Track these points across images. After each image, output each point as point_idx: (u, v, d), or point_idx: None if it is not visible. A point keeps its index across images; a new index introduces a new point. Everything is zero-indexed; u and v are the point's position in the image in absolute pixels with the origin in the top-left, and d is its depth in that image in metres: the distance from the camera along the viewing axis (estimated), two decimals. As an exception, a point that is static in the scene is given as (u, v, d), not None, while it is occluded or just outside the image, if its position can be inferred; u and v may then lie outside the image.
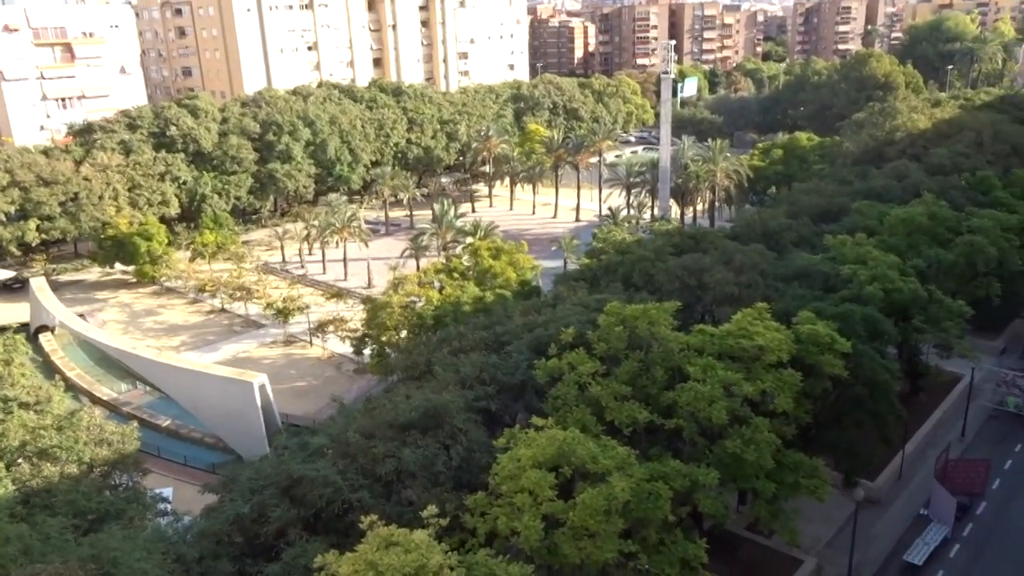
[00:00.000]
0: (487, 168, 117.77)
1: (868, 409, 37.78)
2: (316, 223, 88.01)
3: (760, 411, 32.74)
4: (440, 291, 56.77)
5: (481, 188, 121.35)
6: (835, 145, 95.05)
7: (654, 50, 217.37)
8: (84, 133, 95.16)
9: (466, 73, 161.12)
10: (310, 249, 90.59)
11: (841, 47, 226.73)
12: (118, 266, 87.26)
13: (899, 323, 43.55)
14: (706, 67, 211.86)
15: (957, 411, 48.57)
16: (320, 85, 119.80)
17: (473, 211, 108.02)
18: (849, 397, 37.49)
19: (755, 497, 33.48)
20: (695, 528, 33.49)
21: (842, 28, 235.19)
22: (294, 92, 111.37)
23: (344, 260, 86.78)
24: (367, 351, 58.74)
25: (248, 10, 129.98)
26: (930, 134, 79.29)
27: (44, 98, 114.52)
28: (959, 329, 44.97)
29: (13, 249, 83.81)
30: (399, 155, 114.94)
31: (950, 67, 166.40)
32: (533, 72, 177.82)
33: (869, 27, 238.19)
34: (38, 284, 77.25)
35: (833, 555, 37.46)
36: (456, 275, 58.85)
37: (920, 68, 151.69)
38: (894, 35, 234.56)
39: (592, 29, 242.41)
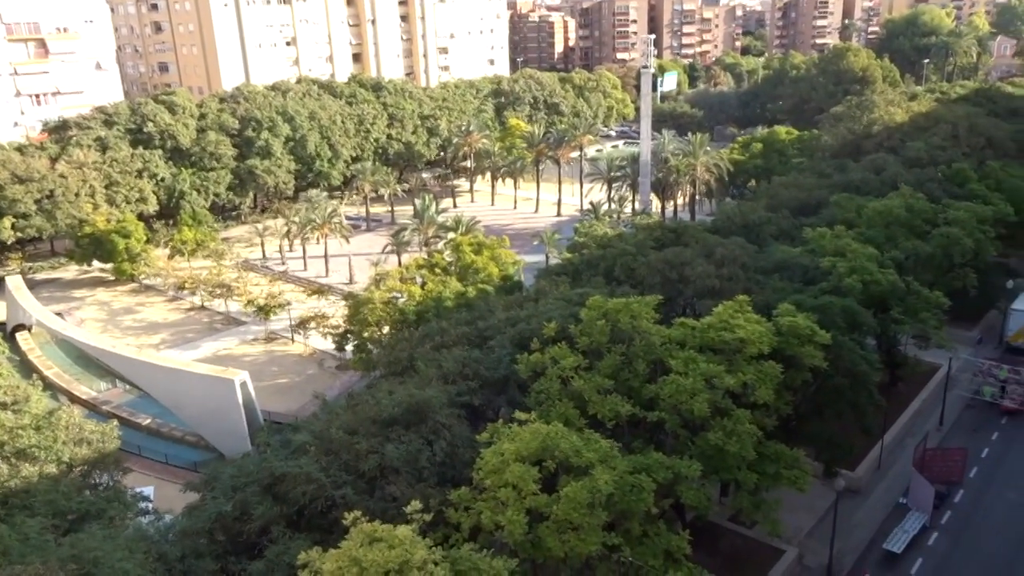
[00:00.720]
0: (468, 163, 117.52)
1: (848, 400, 38.22)
2: (296, 219, 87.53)
3: (741, 403, 32.96)
4: (422, 286, 56.66)
5: (462, 183, 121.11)
6: (814, 139, 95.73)
7: (634, 44, 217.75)
8: (59, 130, 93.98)
9: (446, 68, 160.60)
10: (291, 245, 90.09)
11: (819, 41, 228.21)
12: (96, 264, 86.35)
13: (878, 314, 44.00)
14: (686, 62, 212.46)
15: (935, 401, 49.14)
16: (299, 80, 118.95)
17: (454, 206, 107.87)
18: (829, 388, 37.88)
19: (737, 488, 33.73)
20: (678, 520, 33.77)
21: (820, 22, 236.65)
22: (273, 88, 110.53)
23: (325, 256, 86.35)
24: (349, 347, 58.54)
25: (225, 5, 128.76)
26: (907, 127, 79.99)
27: (17, 94, 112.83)
28: (936, 320, 45.53)
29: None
30: (379, 150, 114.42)
31: (926, 61, 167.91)
32: (513, 67, 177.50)
33: (846, 21, 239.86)
34: (14, 283, 76.27)
35: (814, 544, 37.83)
36: (438, 270, 58.76)
37: (897, 62, 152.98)
38: (871, 29, 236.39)
39: (572, 24, 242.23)
